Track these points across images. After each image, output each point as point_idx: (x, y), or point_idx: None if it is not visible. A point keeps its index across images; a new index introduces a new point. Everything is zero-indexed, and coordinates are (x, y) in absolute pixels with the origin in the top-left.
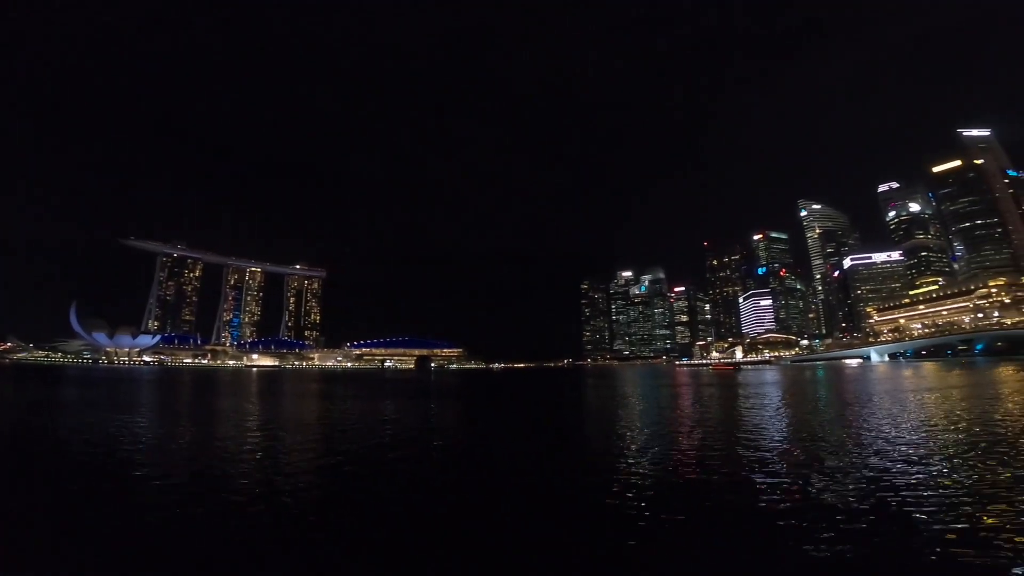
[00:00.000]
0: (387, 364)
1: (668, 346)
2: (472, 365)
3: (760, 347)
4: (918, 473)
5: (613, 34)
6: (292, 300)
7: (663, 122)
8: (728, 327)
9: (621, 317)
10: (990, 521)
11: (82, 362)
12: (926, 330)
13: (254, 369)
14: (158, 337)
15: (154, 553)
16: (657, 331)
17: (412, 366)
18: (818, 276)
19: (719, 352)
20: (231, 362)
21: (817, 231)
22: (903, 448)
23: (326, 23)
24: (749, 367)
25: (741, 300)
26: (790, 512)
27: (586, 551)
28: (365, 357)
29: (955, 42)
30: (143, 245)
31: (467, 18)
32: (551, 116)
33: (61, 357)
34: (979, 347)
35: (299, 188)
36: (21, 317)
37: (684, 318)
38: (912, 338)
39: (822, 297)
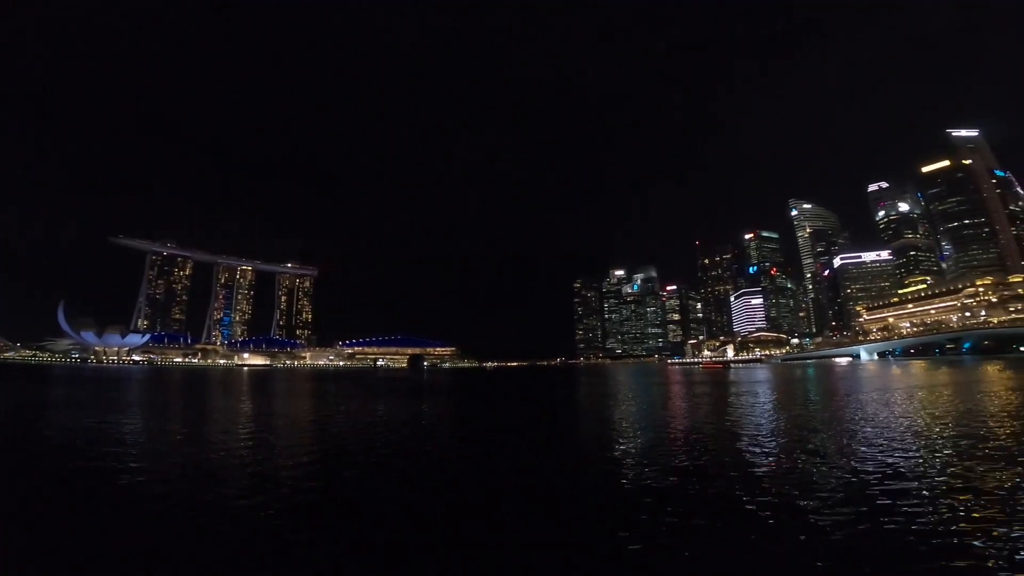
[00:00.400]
0: (380, 363)
1: (660, 344)
2: (465, 364)
3: (751, 345)
4: (914, 470)
5: (613, 34)
6: (283, 299)
7: (660, 123)
8: (720, 326)
9: (613, 316)
10: (977, 516)
11: (70, 362)
12: (914, 329)
13: (245, 368)
14: (148, 336)
15: (152, 553)
16: (649, 330)
17: (405, 365)
18: (808, 275)
19: (711, 351)
20: (222, 361)
21: (808, 230)
22: (894, 445)
23: (323, 20)
24: (739, 365)
25: (732, 299)
26: (788, 511)
27: (585, 551)
28: (357, 356)
29: (947, 43)
30: (132, 243)
31: (467, 18)
32: (549, 116)
33: (49, 357)
34: (966, 346)
35: (291, 186)
36: (7, 315)
37: (676, 317)
38: (901, 337)
39: (812, 296)
